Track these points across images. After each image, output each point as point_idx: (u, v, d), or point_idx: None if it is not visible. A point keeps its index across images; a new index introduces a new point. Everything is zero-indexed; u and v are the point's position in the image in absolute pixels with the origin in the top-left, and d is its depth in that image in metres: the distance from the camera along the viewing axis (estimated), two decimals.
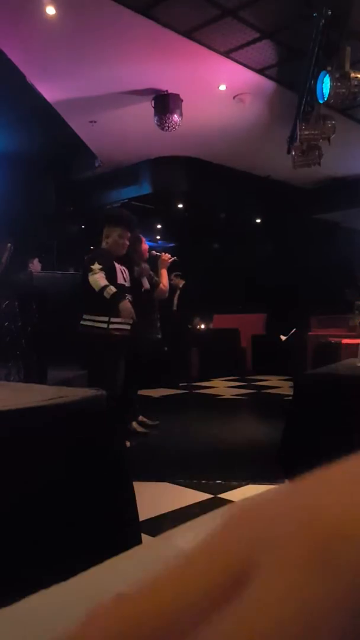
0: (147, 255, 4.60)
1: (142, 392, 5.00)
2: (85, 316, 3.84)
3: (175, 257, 4.61)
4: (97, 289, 3.70)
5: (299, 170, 6.06)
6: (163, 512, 2.73)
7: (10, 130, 6.48)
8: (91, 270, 3.75)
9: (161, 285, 4.54)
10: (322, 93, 4.63)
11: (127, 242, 4.03)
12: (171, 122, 6.13)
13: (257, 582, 0.15)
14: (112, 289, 3.72)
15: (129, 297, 3.93)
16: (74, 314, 4.00)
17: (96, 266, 3.78)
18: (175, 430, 4.61)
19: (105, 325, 3.75)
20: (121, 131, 7.18)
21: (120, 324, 3.81)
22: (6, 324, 5.09)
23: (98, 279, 3.73)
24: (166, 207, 9.77)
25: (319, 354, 6.53)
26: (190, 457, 3.97)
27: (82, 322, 3.85)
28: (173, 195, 9.33)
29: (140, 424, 4.57)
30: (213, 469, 3.53)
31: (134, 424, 4.53)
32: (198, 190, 8.93)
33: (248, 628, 0.14)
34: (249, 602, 0.15)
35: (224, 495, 2.99)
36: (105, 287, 3.72)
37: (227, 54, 5.23)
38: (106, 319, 3.75)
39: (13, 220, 6.57)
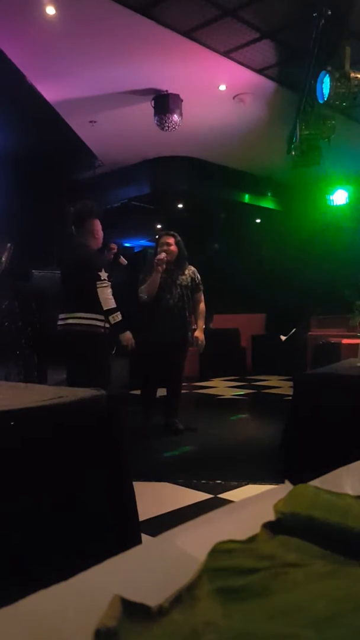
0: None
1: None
2: (81, 314, 3.65)
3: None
4: (105, 306, 3.61)
5: (298, 170, 6.06)
6: (163, 512, 2.73)
7: (10, 131, 6.48)
8: (99, 278, 3.62)
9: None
10: (322, 93, 4.63)
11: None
12: (171, 122, 6.13)
13: None
14: (119, 315, 3.66)
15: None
16: None
17: (104, 275, 3.66)
18: (182, 432, 4.60)
19: (103, 324, 3.67)
20: (121, 131, 7.18)
21: None
22: (6, 324, 5.09)
23: (109, 296, 3.64)
24: (166, 207, 9.77)
25: (319, 354, 6.53)
26: (190, 457, 3.97)
27: (79, 322, 3.65)
28: (173, 195, 9.32)
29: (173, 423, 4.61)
30: (213, 469, 3.53)
31: (176, 421, 4.59)
32: (198, 190, 8.93)
33: None
34: None
35: (224, 495, 2.99)
36: (114, 310, 3.64)
37: (227, 54, 5.23)
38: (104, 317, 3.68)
39: (13, 220, 6.58)
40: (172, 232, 4.67)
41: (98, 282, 3.61)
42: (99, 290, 3.61)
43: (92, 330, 3.65)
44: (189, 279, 4.56)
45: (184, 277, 4.54)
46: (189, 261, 4.66)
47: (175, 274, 4.52)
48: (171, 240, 4.56)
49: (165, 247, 4.50)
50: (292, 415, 2.51)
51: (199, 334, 4.55)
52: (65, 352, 3.79)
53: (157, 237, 4.68)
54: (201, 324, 4.62)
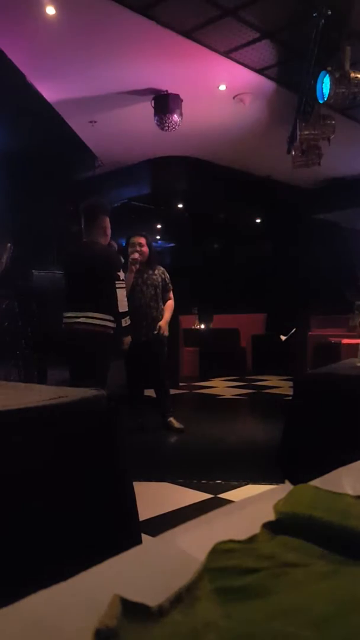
0: None
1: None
2: (95, 314, 3.56)
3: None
4: (121, 308, 3.57)
5: (299, 170, 6.05)
6: (163, 512, 2.73)
7: (10, 130, 6.47)
8: (118, 278, 3.58)
9: None
10: (322, 93, 4.63)
11: None
12: (171, 122, 6.13)
13: None
14: (129, 319, 3.65)
15: None
16: None
17: (122, 275, 3.63)
18: (183, 432, 4.61)
19: (113, 325, 3.63)
20: (121, 131, 7.18)
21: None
22: (6, 324, 5.09)
23: (125, 298, 3.62)
24: (166, 207, 9.77)
25: (319, 354, 6.54)
26: (190, 457, 3.98)
27: (92, 322, 3.55)
28: (173, 195, 9.32)
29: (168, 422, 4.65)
30: (213, 469, 3.53)
31: (172, 420, 4.65)
32: (198, 190, 8.93)
33: None
34: None
35: (224, 495, 2.99)
36: (127, 313, 3.63)
37: (227, 54, 5.23)
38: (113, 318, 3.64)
39: (13, 220, 6.58)
40: (143, 233, 4.77)
41: (117, 282, 3.58)
42: (117, 290, 3.57)
43: (104, 330, 3.59)
44: (160, 279, 4.67)
45: (155, 277, 4.64)
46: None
47: (146, 274, 4.62)
48: (142, 240, 4.66)
49: (137, 248, 4.59)
50: (292, 415, 2.50)
51: (162, 323, 4.60)
52: (71, 351, 3.67)
53: (127, 237, 4.73)
54: (167, 316, 4.67)
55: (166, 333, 4.61)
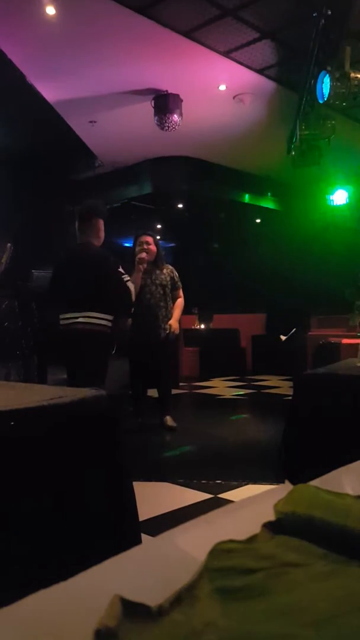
0: None
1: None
2: (95, 314, 3.58)
3: None
4: (133, 299, 3.68)
5: (298, 170, 6.06)
6: (163, 512, 2.73)
7: (10, 130, 6.48)
8: (122, 274, 3.64)
9: None
10: (322, 93, 4.63)
11: None
12: (171, 122, 6.13)
13: None
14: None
15: None
16: None
17: (122, 270, 3.69)
18: (175, 430, 4.61)
19: (111, 324, 3.65)
20: (121, 131, 7.18)
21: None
22: (6, 324, 5.09)
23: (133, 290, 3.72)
24: (166, 207, 9.77)
25: (319, 354, 6.53)
26: (190, 457, 3.97)
27: (92, 321, 3.57)
28: (173, 195, 9.32)
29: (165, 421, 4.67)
30: (213, 469, 3.53)
31: (168, 418, 4.65)
32: (198, 190, 8.93)
33: None
34: None
35: (224, 495, 2.99)
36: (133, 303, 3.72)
37: (227, 54, 5.23)
38: (111, 317, 3.66)
39: (13, 220, 6.58)
40: (149, 232, 4.74)
41: (124, 276, 3.63)
42: (128, 284, 3.63)
43: (104, 330, 3.61)
44: (168, 278, 4.64)
45: (163, 276, 4.62)
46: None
47: (154, 273, 4.59)
48: (150, 239, 4.63)
49: (145, 246, 4.56)
50: (292, 415, 2.50)
51: (173, 322, 4.59)
52: (71, 351, 3.67)
53: (135, 236, 4.71)
54: (177, 314, 4.66)
55: (177, 332, 4.60)
